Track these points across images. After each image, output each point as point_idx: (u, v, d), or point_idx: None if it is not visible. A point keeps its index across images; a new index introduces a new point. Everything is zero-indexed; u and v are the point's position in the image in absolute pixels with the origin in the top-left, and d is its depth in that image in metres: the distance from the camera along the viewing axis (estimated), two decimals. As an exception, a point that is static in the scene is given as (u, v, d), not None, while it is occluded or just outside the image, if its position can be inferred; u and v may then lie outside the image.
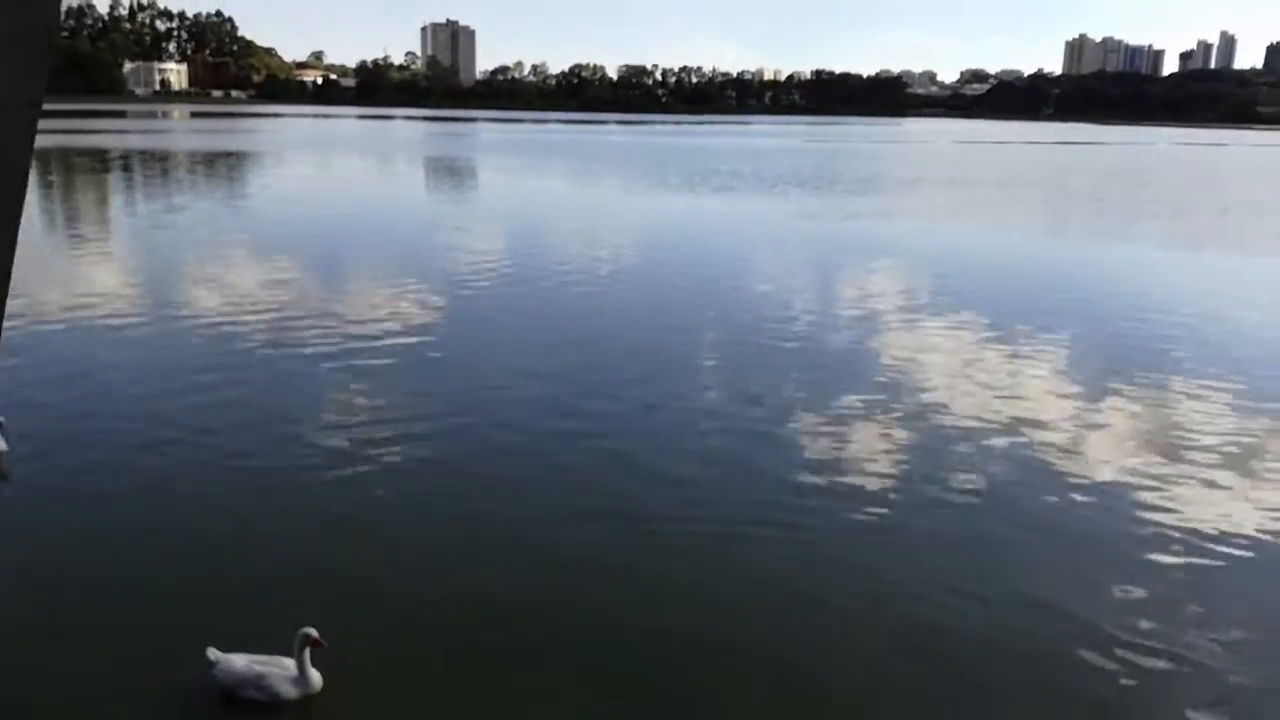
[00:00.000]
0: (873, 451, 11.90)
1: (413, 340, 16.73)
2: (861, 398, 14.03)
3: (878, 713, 6.91)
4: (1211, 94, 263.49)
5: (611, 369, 15.45)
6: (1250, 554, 9.36)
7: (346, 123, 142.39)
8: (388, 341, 16.51)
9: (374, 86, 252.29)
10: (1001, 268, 27.15)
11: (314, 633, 6.81)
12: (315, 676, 6.91)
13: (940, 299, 21.61)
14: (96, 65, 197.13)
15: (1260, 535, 9.75)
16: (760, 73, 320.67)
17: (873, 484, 10.88)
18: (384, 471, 10.88)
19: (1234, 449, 12.20)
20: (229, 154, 65.05)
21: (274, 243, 27.43)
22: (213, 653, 6.98)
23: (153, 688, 6.93)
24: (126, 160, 57.40)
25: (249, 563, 8.71)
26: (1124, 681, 7.23)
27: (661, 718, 6.83)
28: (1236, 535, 9.72)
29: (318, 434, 11.94)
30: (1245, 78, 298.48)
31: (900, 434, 12.55)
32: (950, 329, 18.71)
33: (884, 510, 10.22)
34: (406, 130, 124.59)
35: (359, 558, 8.88)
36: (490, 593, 8.34)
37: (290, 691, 6.86)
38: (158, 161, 57.05)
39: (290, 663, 6.89)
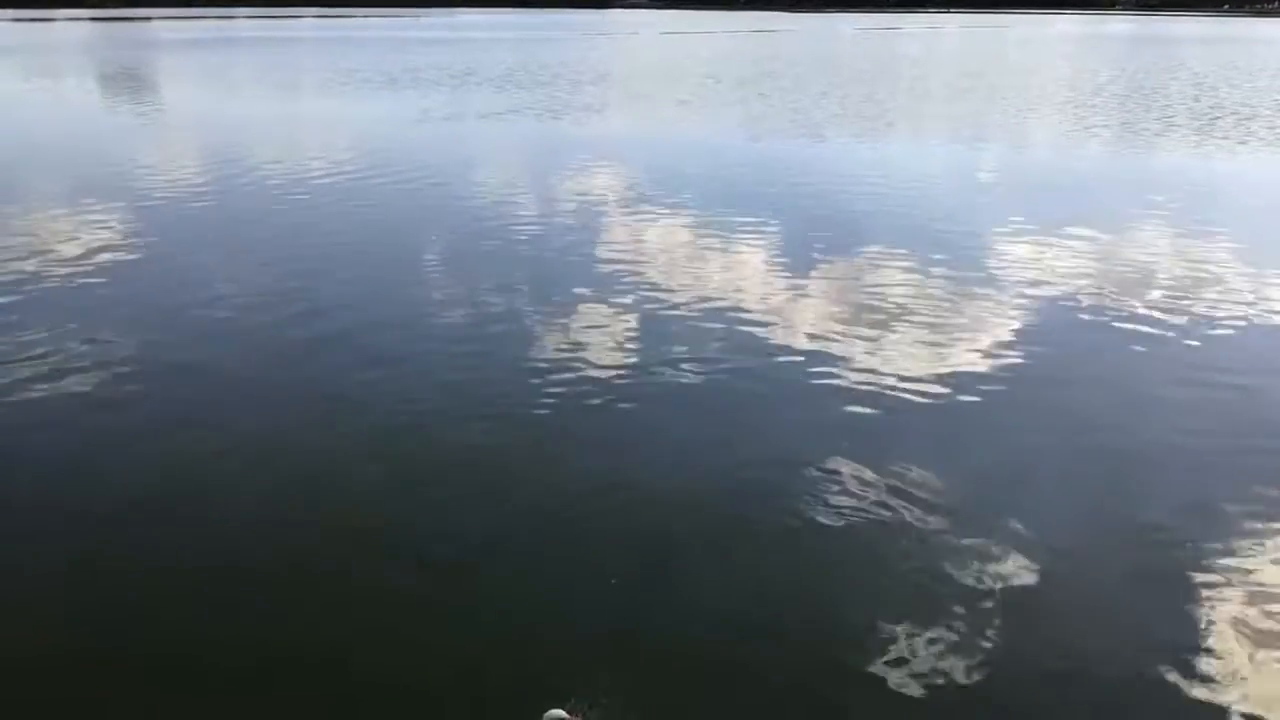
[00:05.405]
0: (602, 338, 12.56)
1: (116, 262, 15.49)
2: (589, 289, 14.64)
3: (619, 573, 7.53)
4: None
5: (336, 274, 15.18)
6: (941, 398, 10.85)
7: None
8: (85, 266, 15.20)
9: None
10: (709, 159, 28.38)
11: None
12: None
13: (655, 193, 22.44)
14: None
15: (948, 380, 11.30)
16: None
17: (604, 369, 11.55)
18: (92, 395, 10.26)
19: (918, 310, 13.86)
20: None
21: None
22: None
23: None
24: None
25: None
26: (826, 519, 8.29)
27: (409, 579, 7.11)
28: (929, 381, 11.25)
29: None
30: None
31: (627, 321, 13.30)
32: (666, 221, 19.62)
33: (614, 390, 10.91)
34: (73, 33, 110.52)
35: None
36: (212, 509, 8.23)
37: None
38: None
39: None
